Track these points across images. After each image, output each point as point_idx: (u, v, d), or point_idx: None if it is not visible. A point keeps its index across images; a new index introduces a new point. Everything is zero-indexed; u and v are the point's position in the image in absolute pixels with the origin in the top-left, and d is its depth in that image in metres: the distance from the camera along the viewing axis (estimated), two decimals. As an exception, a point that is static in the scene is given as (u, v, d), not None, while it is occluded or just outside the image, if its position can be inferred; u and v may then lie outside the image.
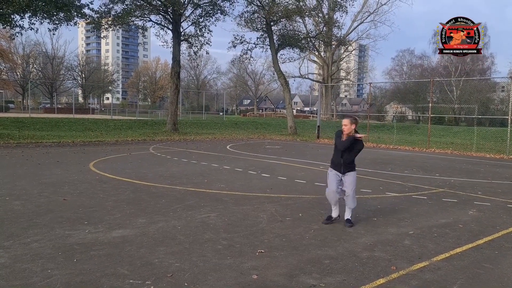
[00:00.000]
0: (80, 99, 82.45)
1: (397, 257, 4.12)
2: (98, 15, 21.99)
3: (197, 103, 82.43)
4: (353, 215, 5.38)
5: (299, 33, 29.35)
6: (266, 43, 27.61)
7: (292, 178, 9.03)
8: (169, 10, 22.76)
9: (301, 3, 25.65)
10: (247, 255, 4.06)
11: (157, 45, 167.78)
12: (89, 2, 20.09)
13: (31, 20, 18.29)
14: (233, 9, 47.09)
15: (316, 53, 47.65)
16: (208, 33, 24.30)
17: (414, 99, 54.65)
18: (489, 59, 61.82)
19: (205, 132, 26.20)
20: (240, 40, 27.30)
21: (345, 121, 5.22)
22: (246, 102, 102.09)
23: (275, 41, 26.96)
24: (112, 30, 23.76)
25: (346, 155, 5.24)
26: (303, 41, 28.99)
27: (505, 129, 20.45)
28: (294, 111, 50.97)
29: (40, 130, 21.99)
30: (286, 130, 28.41)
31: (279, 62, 28.09)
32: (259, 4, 25.89)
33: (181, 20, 23.81)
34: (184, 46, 24.90)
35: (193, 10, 24.09)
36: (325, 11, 37.77)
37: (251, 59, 28.97)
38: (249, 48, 27.92)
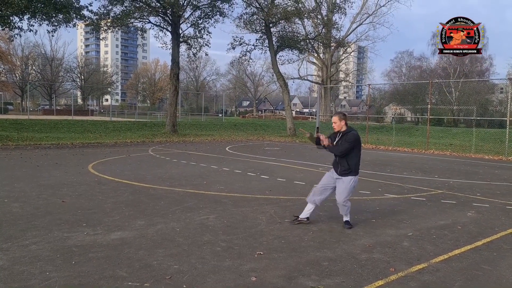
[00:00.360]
0: (79, 100, 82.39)
1: (396, 259, 4.12)
2: (97, 16, 22.01)
3: (196, 104, 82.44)
4: (351, 216, 5.38)
5: (298, 35, 29.41)
6: (265, 45, 27.68)
7: (291, 179, 9.03)
8: (168, 11, 22.79)
9: (300, 5, 25.71)
10: (246, 257, 4.06)
11: (156, 46, 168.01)
12: (88, 4, 20.14)
13: (30, 21, 18.31)
14: (232, 11, 47.42)
15: (315, 55, 47.69)
16: (207, 34, 24.37)
17: (413, 100, 54.70)
18: (487, 61, 61.93)
19: (204, 133, 26.20)
20: (239, 41, 27.37)
21: (334, 119, 5.19)
22: (245, 103, 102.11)
23: (274, 43, 27.00)
24: (111, 31, 23.79)
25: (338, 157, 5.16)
26: (302, 43, 29.05)
27: (503, 131, 20.48)
28: (293, 112, 51.02)
29: (39, 132, 21.97)
30: (285, 131, 28.42)
31: (278, 64, 28.14)
32: (258, 6, 25.94)
33: (180, 22, 23.84)
34: (183, 47, 24.97)
35: (192, 12, 24.14)
36: (324, 13, 37.87)
37: (250, 60, 29.05)
38: (248, 49, 28.00)
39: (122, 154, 13.70)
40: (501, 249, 4.57)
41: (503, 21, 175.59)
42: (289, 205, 6.44)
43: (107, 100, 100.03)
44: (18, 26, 18.30)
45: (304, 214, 5.34)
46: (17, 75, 64.48)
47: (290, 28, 28.20)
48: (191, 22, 24.28)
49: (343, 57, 55.18)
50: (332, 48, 43.51)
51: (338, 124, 5.13)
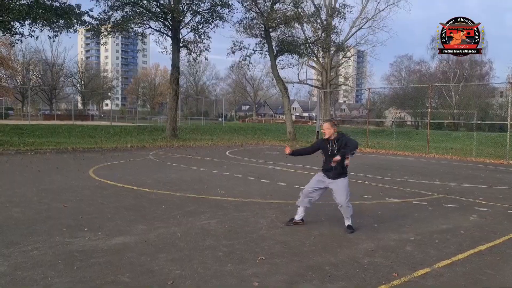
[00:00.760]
0: (80, 105, 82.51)
1: (399, 264, 4.11)
2: (97, 22, 22.07)
3: (196, 109, 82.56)
4: (353, 221, 5.37)
5: (298, 39, 29.45)
6: (265, 49, 27.72)
7: (292, 183, 9.02)
8: (168, 17, 22.87)
9: (299, 10, 25.80)
10: (248, 262, 4.05)
11: (156, 51, 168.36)
12: (89, 10, 20.19)
13: (31, 27, 18.33)
14: (232, 16, 47.47)
15: (315, 59, 47.76)
16: (207, 39, 24.42)
17: (413, 104, 54.77)
18: (487, 65, 62.10)
19: (204, 138, 26.20)
20: (239, 46, 27.39)
21: (325, 125, 5.35)
22: (245, 107, 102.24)
23: (273, 47, 27.06)
24: (111, 37, 23.85)
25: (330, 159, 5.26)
26: (301, 47, 29.08)
27: (504, 134, 20.48)
28: (293, 116, 51.01)
29: (40, 136, 21.97)
30: (285, 135, 28.41)
31: (278, 68, 28.18)
32: (257, 11, 26.02)
33: (181, 27, 23.90)
34: (183, 52, 25.00)
35: (192, 17, 24.20)
36: (323, 17, 37.93)
37: (250, 65, 29.05)
38: (248, 54, 27.98)
39: (123, 158, 13.70)
40: (504, 253, 4.55)
41: (502, 25, 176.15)
42: (290, 210, 6.42)
43: (107, 104, 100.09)
44: (19, 32, 18.33)
45: (298, 216, 5.50)
46: (18, 80, 64.60)
47: (289, 33, 28.24)
48: (191, 27, 24.35)
49: (342, 61, 55.20)
50: (332, 52, 43.58)
51: (329, 131, 5.29)
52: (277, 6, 25.93)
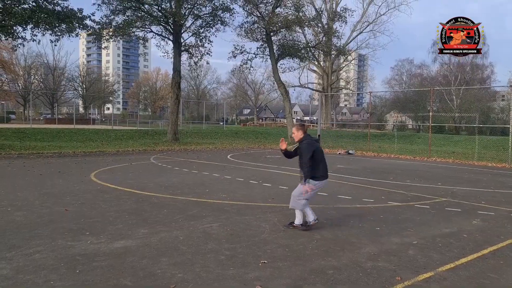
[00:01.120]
0: (81, 109, 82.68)
1: (402, 267, 4.09)
2: (99, 26, 22.18)
3: (197, 113, 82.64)
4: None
5: (299, 43, 29.53)
6: (266, 53, 27.80)
7: (293, 187, 8.97)
8: (169, 21, 22.95)
9: (300, 14, 25.87)
10: (250, 266, 4.03)
11: (157, 55, 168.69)
12: (91, 14, 20.30)
13: (33, 31, 18.41)
14: (233, 20, 47.39)
15: (316, 63, 47.90)
16: (208, 43, 24.51)
17: (414, 108, 54.74)
18: (488, 68, 62.10)
19: (205, 141, 26.21)
20: (240, 50, 27.50)
21: (293, 129, 5.48)
22: (246, 111, 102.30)
23: (275, 51, 27.13)
24: (113, 41, 23.95)
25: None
26: (302, 51, 29.16)
27: (506, 138, 20.44)
28: (294, 120, 51.07)
29: (41, 140, 22.00)
30: (287, 139, 28.38)
31: (279, 72, 28.23)
32: (259, 15, 26.12)
33: (182, 31, 23.99)
34: (184, 56, 25.09)
35: (193, 21, 24.30)
36: (324, 21, 38.09)
37: (251, 69, 29.13)
38: (249, 58, 28.10)
39: (124, 162, 13.70)
40: (508, 257, 4.53)
41: (504, 29, 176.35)
42: (292, 213, 6.40)
43: (108, 108, 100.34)
44: (21, 36, 18.41)
45: (306, 219, 5.50)
46: (19, 84, 64.81)
47: (290, 37, 28.34)
48: (193, 31, 24.45)
49: (343, 65, 55.37)
50: (333, 56, 43.69)
51: (296, 134, 5.42)
52: (278, 10, 26.04)
